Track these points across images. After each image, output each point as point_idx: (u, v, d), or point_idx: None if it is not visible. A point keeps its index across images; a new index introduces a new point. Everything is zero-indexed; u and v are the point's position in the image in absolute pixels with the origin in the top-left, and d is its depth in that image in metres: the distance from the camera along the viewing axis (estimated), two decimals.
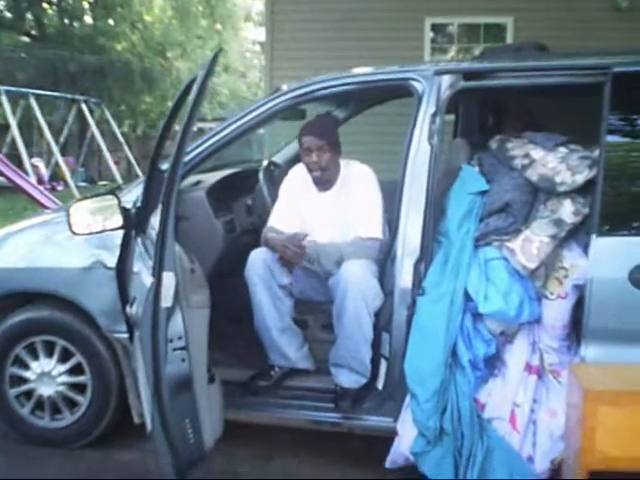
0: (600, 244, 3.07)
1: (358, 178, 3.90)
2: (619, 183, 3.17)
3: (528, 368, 3.25)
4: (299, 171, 4.05)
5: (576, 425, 2.66)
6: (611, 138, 3.17)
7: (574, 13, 8.87)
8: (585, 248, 3.14)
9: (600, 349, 3.05)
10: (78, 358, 3.84)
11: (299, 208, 3.99)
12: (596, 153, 3.22)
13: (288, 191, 4.06)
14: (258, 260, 3.75)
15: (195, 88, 3.02)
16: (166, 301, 2.90)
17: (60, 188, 18.85)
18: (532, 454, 3.18)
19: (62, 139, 21.03)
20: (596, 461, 2.58)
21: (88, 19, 26.64)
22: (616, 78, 3.18)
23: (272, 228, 3.93)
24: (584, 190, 3.22)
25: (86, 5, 26.31)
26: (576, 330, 3.19)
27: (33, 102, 18.07)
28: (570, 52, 3.98)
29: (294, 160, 4.66)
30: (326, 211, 3.91)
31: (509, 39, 9.35)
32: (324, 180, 3.89)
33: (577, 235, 3.25)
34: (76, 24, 25.80)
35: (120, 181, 18.96)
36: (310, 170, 3.87)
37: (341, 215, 3.87)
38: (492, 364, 3.32)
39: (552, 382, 3.22)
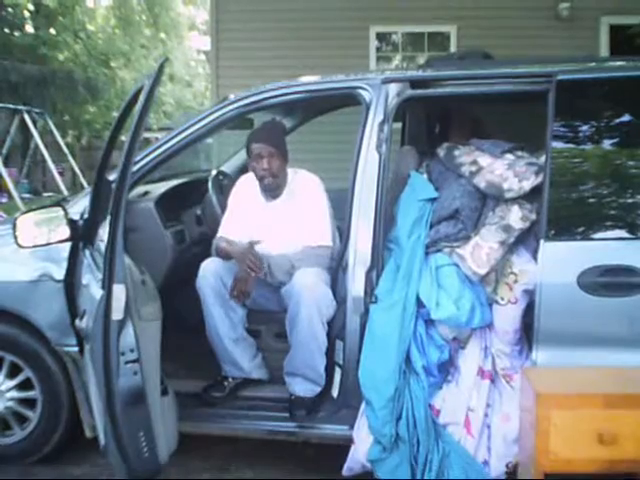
0: (548, 249, 3.11)
1: (305, 187, 3.90)
2: (565, 189, 3.22)
3: (481, 373, 3.28)
4: (247, 180, 4.04)
5: (529, 428, 2.69)
6: (556, 144, 3.22)
7: (516, 21, 9.03)
8: (534, 253, 3.18)
9: (551, 353, 3.09)
10: (27, 373, 3.78)
11: (248, 217, 3.96)
12: (542, 159, 3.27)
13: (237, 200, 4.04)
14: (209, 270, 3.73)
15: (142, 97, 2.99)
16: (117, 314, 2.88)
17: (4, 200, 18.47)
18: (487, 458, 3.21)
19: (4, 150, 20.59)
20: (550, 463, 2.61)
21: (29, 28, 26.22)
22: (560, 85, 3.24)
23: (223, 238, 3.91)
24: (531, 196, 3.26)
25: (27, 14, 25.89)
26: (527, 334, 3.23)
27: None
28: (514, 60, 4.05)
29: (242, 169, 4.66)
30: (275, 220, 3.89)
31: (452, 47, 9.48)
32: (274, 187, 3.87)
33: (526, 241, 3.29)
34: (17, 33, 25.37)
35: (65, 192, 18.60)
36: (261, 178, 3.84)
37: (290, 223, 3.85)
38: (446, 370, 3.34)
39: (505, 386, 3.25)
